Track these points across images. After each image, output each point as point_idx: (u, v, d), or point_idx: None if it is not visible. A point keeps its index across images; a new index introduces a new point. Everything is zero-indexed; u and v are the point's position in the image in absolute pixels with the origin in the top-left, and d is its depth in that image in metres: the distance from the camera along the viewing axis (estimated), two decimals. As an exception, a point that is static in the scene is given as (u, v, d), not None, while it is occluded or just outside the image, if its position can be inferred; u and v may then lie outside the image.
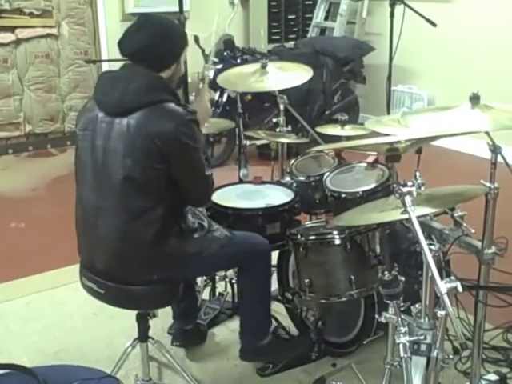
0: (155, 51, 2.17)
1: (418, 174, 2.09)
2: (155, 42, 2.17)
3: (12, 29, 5.58)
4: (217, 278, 3.07)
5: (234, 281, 2.93)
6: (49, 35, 5.76)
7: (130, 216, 2.13)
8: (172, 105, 2.13)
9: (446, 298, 1.58)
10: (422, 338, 1.74)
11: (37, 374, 1.47)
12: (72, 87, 5.95)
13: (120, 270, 2.20)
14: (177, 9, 3.70)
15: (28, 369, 1.51)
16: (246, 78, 3.02)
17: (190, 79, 3.80)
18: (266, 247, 2.48)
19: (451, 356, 1.78)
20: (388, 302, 1.79)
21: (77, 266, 2.34)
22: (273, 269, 2.75)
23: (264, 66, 2.98)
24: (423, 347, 1.75)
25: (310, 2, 6.60)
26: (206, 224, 2.34)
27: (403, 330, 1.73)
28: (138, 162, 2.09)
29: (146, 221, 2.14)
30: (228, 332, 2.93)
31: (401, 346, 1.71)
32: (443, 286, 1.59)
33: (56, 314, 3.15)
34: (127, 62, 2.21)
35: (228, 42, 5.52)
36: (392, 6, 3.80)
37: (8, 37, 5.57)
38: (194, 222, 2.30)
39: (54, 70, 5.88)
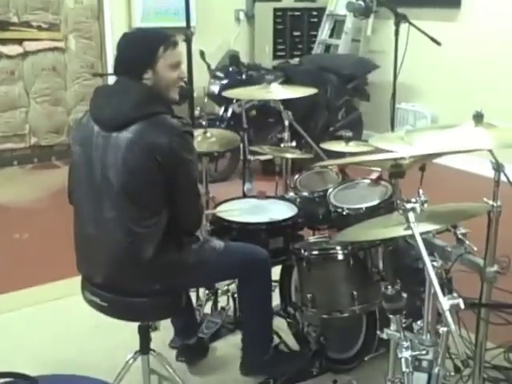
0: (125, 60, 2.21)
1: (421, 191, 2.11)
2: (121, 52, 2.22)
3: (20, 41, 5.64)
4: (219, 292, 3.07)
5: (236, 295, 2.93)
6: (56, 48, 5.81)
7: (129, 229, 2.14)
8: (167, 117, 2.14)
9: (448, 314, 1.58)
10: (424, 353, 1.74)
11: (40, 382, 1.47)
12: (78, 100, 5.99)
13: (120, 282, 2.21)
14: (184, 24, 3.74)
15: (32, 377, 1.52)
16: (250, 91, 3.06)
17: (195, 93, 3.83)
18: (265, 257, 2.47)
19: (452, 373, 1.79)
20: (390, 316, 1.80)
21: (79, 278, 2.35)
22: (275, 284, 2.76)
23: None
24: (425, 363, 1.75)
25: (316, 20, 6.65)
26: (201, 236, 2.36)
27: (405, 344, 1.74)
28: (135, 176, 2.10)
29: (146, 233, 2.15)
30: (229, 346, 2.92)
31: (403, 360, 1.71)
32: (445, 302, 1.60)
33: (59, 324, 3.15)
34: (121, 77, 2.23)
35: (233, 58, 5.56)
36: (397, 24, 3.82)
37: (15, 49, 5.63)
38: (191, 235, 2.31)
39: (61, 82, 5.92)
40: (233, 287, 2.93)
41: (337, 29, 6.67)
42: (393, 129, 4.29)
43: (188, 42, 3.23)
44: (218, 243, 2.38)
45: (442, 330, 1.67)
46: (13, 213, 4.71)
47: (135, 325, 2.38)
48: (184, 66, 3.23)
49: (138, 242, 2.15)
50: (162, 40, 2.20)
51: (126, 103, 2.14)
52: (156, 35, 2.25)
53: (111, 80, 5.55)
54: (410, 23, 3.90)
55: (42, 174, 5.67)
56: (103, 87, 2.32)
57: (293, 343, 2.81)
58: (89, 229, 2.24)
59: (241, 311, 2.65)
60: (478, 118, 1.97)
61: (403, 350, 1.72)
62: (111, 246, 2.17)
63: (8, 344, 2.99)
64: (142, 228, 2.14)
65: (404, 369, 1.70)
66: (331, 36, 6.69)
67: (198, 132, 3.07)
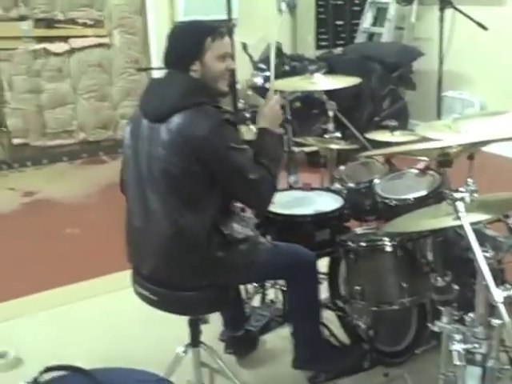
0: (173, 53, 2.22)
1: (470, 180, 2.07)
2: (170, 44, 2.23)
3: (65, 39, 5.73)
4: (267, 285, 3.07)
5: (284, 288, 2.93)
6: (101, 44, 5.90)
7: (175, 221, 2.15)
8: (206, 107, 2.14)
9: (501, 306, 1.55)
10: (477, 346, 1.71)
11: (94, 375, 1.50)
12: (124, 95, 6.07)
13: (167, 275, 2.23)
14: (225, 17, 3.74)
15: (86, 370, 1.55)
16: (294, 82, 3.04)
17: (239, 86, 3.83)
18: (311, 258, 2.46)
19: (507, 367, 1.75)
20: (441, 308, 1.77)
21: (130, 271, 2.39)
22: (323, 276, 2.75)
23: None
24: (478, 357, 1.72)
25: (358, 8, 6.57)
26: (252, 234, 2.32)
27: (457, 337, 1.71)
28: (176, 167, 2.11)
29: (191, 226, 2.15)
30: (279, 339, 2.93)
31: (455, 353, 1.68)
32: (499, 294, 1.56)
33: (109, 318, 3.21)
34: (170, 69, 2.25)
35: (276, 49, 5.53)
36: (442, 10, 3.76)
37: (62, 46, 5.73)
38: (240, 233, 2.27)
39: (106, 78, 6.01)
40: (281, 280, 2.92)
41: (380, 17, 6.58)
42: (439, 117, 4.23)
43: (230, 34, 3.22)
44: (268, 245, 2.36)
45: (496, 322, 1.64)
46: (64, 208, 4.81)
47: (185, 318, 2.41)
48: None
49: (183, 234, 2.16)
50: (209, 31, 2.20)
51: (169, 94, 2.16)
52: (203, 26, 2.26)
53: (156, 75, 5.64)
54: (456, 8, 3.83)
55: (90, 170, 5.77)
56: (154, 80, 2.35)
57: (342, 336, 2.80)
58: (136, 222, 2.27)
59: (288, 309, 2.64)
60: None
61: (455, 342, 1.69)
62: (157, 238, 2.19)
63: (60, 338, 3.07)
64: (186, 220, 2.14)
65: (457, 362, 1.67)
66: (374, 24, 6.60)
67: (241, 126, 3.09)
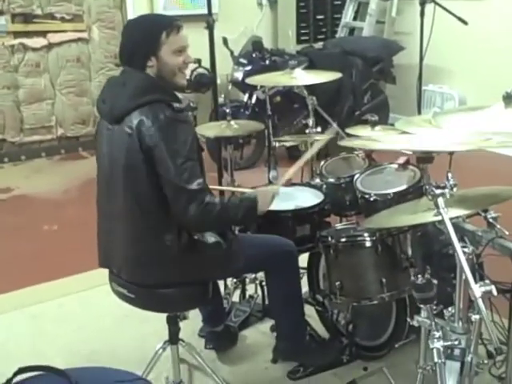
0: (127, 50, 2.17)
1: (450, 174, 2.06)
2: (124, 41, 2.18)
3: (44, 33, 5.67)
4: (247, 280, 3.06)
5: (263, 283, 2.92)
6: (80, 39, 5.84)
7: (137, 221, 2.13)
8: (158, 105, 2.07)
9: (480, 301, 1.54)
10: (456, 343, 1.70)
11: (69, 375, 1.48)
12: (103, 90, 6.01)
13: (133, 275, 2.20)
14: (206, 11, 3.71)
15: (61, 370, 1.53)
16: (274, 77, 3.03)
17: (219, 81, 3.80)
18: (291, 248, 2.46)
19: (485, 361, 1.76)
20: (421, 306, 1.76)
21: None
22: (303, 271, 2.74)
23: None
24: (457, 352, 1.72)
25: (339, 2, 6.56)
26: (225, 239, 2.24)
27: (437, 334, 1.70)
28: (137, 169, 2.07)
29: (153, 227, 2.12)
30: (259, 334, 2.92)
31: (435, 351, 1.68)
32: (477, 289, 1.56)
33: (88, 315, 3.18)
34: (126, 67, 2.20)
35: (256, 44, 5.51)
36: (422, 4, 3.74)
37: (40, 41, 5.66)
38: (210, 236, 2.20)
39: (85, 73, 5.95)
40: (260, 275, 2.92)
41: (361, 11, 6.58)
42: (420, 111, 4.23)
43: (210, 29, 3.19)
44: (241, 245, 2.31)
45: (475, 317, 1.64)
46: (42, 204, 4.76)
47: (164, 314, 2.39)
48: (206, 54, 3.21)
49: (145, 234, 2.13)
50: (164, 25, 2.13)
51: (122, 95, 2.12)
52: (158, 20, 2.20)
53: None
54: (436, 3, 3.83)
55: (69, 165, 5.71)
56: (110, 79, 2.29)
57: (322, 330, 2.80)
58: (103, 223, 2.27)
59: (270, 302, 2.63)
60: (508, 99, 1.91)
61: (435, 340, 1.69)
62: (123, 236, 2.18)
63: (37, 335, 3.03)
64: (148, 220, 2.11)
65: (436, 359, 1.67)
66: (355, 19, 6.59)
67: (221, 122, 3.07)
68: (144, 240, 2.14)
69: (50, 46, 5.71)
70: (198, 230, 2.18)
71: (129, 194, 2.11)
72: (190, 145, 2.07)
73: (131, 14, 5.89)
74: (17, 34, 5.56)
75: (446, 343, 1.70)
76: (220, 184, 3.22)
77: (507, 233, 2.13)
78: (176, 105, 2.11)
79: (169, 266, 2.15)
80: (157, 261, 2.15)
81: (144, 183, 2.08)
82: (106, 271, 2.35)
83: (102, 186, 2.25)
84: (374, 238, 2.33)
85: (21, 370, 1.49)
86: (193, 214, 2.03)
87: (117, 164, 2.12)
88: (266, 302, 2.98)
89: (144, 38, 2.13)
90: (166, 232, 2.12)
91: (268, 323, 2.93)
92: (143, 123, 2.04)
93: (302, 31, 6.41)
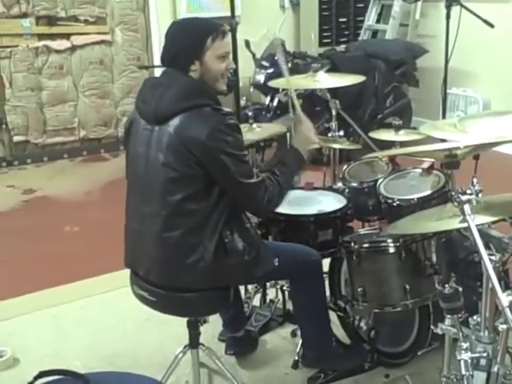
0: (171, 52, 2.15)
1: (475, 180, 2.03)
2: (168, 42, 2.17)
3: (67, 36, 5.70)
4: (267, 284, 3.04)
5: (284, 288, 2.90)
6: (103, 42, 5.86)
7: (169, 223, 2.11)
8: (205, 109, 2.08)
9: (508, 311, 1.51)
10: (484, 354, 1.66)
11: (89, 379, 1.47)
12: (125, 93, 6.03)
13: (160, 278, 2.18)
14: (228, 13, 3.71)
15: (81, 375, 1.52)
16: (296, 80, 3.06)
17: (241, 83, 3.79)
18: (316, 258, 2.43)
19: (513, 371, 1.71)
20: (449, 316, 1.72)
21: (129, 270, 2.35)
22: (324, 276, 2.71)
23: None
24: (483, 362, 1.68)
25: (362, 5, 6.51)
26: (253, 248, 2.22)
27: (464, 346, 1.66)
28: (176, 171, 2.07)
29: (186, 230, 2.10)
30: (279, 339, 2.90)
31: (462, 362, 1.64)
32: (505, 298, 1.52)
33: (109, 318, 3.18)
34: (168, 68, 2.19)
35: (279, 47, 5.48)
36: (448, 7, 3.71)
37: (64, 44, 5.69)
38: (239, 242, 2.19)
39: (108, 75, 5.97)
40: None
41: (384, 13, 6.53)
42: (444, 115, 4.19)
43: (233, 31, 3.19)
44: (269, 254, 2.28)
45: (502, 327, 1.60)
46: (64, 206, 4.77)
47: (185, 318, 2.38)
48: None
49: (177, 236, 2.11)
50: (210, 30, 2.13)
51: (167, 96, 2.10)
52: (204, 25, 2.18)
53: (158, 72, 5.61)
54: (462, 5, 3.79)
55: (91, 167, 5.73)
56: (150, 79, 2.29)
57: (343, 336, 2.76)
58: (133, 222, 2.24)
59: (295, 311, 2.60)
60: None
61: (462, 351, 1.65)
62: (152, 241, 2.16)
63: (59, 337, 3.03)
64: (182, 223, 2.10)
65: (464, 371, 1.62)
66: (378, 21, 6.55)
67: (243, 125, 3.04)
68: (179, 243, 2.12)
69: (73, 49, 5.74)
70: (274, 210, 2.28)
71: (167, 196, 2.10)
72: (242, 143, 2.16)
73: (154, 17, 5.92)
74: (41, 37, 5.59)
75: (474, 355, 1.65)
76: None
77: (534, 240, 2.09)
78: (225, 109, 2.12)
79: (200, 270, 2.13)
80: (190, 265, 2.12)
81: (185, 186, 2.08)
82: (127, 273, 2.35)
83: (134, 185, 2.23)
84: (398, 244, 2.29)
85: (42, 374, 1.49)
86: (269, 199, 2.16)
87: (155, 164, 2.11)
88: (287, 307, 2.96)
89: (189, 42, 2.12)
90: (201, 235, 2.11)
91: (288, 328, 2.91)
92: (192, 127, 2.04)
93: (325, 34, 6.38)
